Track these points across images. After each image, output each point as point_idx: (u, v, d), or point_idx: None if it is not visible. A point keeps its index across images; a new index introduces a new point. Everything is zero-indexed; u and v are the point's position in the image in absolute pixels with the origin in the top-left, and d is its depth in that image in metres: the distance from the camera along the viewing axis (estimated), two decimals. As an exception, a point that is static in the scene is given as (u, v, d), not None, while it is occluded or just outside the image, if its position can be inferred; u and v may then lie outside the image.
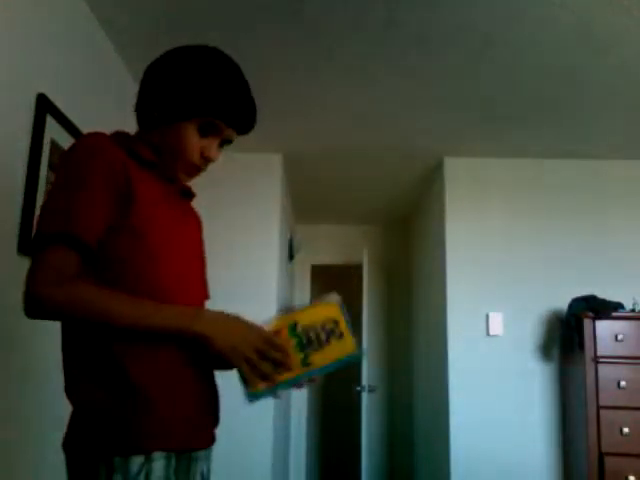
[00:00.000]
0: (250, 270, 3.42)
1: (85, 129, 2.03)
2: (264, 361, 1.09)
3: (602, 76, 2.58)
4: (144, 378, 1.05)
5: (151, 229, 1.11)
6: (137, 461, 1.01)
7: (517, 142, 3.35)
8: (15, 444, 1.72)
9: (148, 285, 1.09)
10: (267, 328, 1.13)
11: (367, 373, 4.42)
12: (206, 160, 1.20)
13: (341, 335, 1.16)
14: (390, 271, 5.27)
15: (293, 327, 1.13)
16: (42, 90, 1.82)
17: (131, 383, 1.04)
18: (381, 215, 5.03)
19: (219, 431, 1.23)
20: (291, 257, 4.45)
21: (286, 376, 1.11)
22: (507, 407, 3.30)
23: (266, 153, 3.57)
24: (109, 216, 1.07)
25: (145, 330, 1.05)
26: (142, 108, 1.20)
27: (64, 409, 1.10)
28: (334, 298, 1.19)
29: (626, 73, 2.55)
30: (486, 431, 3.27)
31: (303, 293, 5.20)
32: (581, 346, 2.97)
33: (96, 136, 1.10)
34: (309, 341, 1.13)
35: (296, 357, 1.12)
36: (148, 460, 1.02)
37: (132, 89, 2.43)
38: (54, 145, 1.87)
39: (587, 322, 2.96)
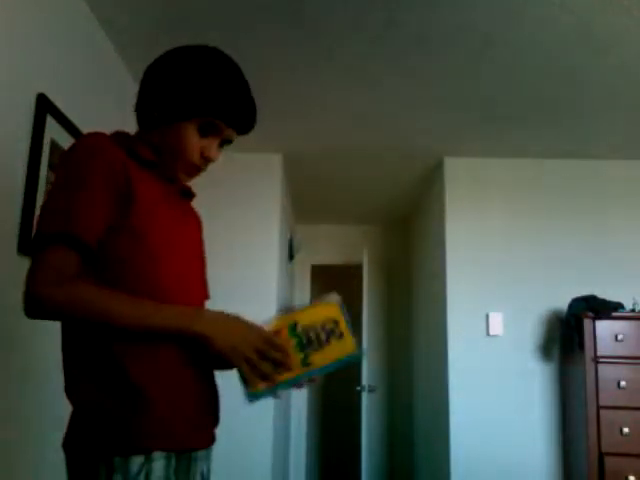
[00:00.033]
0: (250, 270, 3.42)
1: (85, 129, 2.03)
2: (264, 361, 1.09)
3: (602, 76, 2.58)
4: (144, 378, 1.05)
5: (151, 229, 1.11)
6: (137, 461, 1.01)
7: (517, 142, 3.35)
8: (15, 444, 1.72)
9: (148, 285, 1.09)
10: (267, 328, 1.13)
11: (367, 373, 4.42)
12: (206, 160, 1.20)
13: (341, 335, 1.15)
14: (390, 271, 5.27)
15: (293, 327, 1.13)
16: (42, 90, 1.82)
17: (131, 383, 1.04)
18: (381, 215, 5.03)
19: (219, 431, 1.23)
20: (291, 257, 4.45)
21: (286, 376, 1.11)
22: (507, 407, 3.30)
23: (266, 153, 3.57)
24: (109, 216, 1.07)
25: (145, 330, 1.05)
26: (142, 108, 1.20)
27: (64, 409, 1.10)
28: (334, 298, 1.19)
29: (626, 73, 2.55)
30: (486, 431, 3.27)
31: (303, 293, 5.20)
32: (581, 346, 2.97)
33: (96, 136, 1.10)
34: (309, 341, 1.13)
35: (296, 357, 1.12)
36: (148, 460, 1.02)
37: (132, 89, 2.43)
38: (54, 145, 1.87)
39: (587, 322, 2.96)
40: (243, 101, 1.18)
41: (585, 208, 3.49)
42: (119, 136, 1.18)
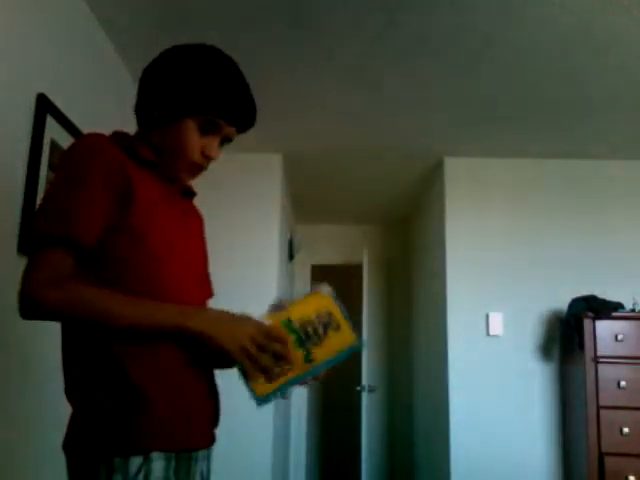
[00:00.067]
0: (250, 270, 3.42)
1: (85, 129, 2.03)
2: (264, 353, 1.08)
3: (602, 76, 2.58)
4: (144, 378, 1.05)
5: (151, 229, 1.11)
6: (136, 461, 1.01)
7: (517, 142, 3.35)
8: (15, 444, 1.72)
9: (148, 285, 1.09)
10: None
11: (367, 373, 4.42)
12: (207, 158, 1.20)
13: (338, 327, 1.13)
14: (390, 271, 5.27)
15: (288, 323, 1.11)
16: (42, 90, 1.82)
17: (131, 383, 1.04)
18: (381, 215, 5.03)
19: (219, 431, 1.23)
20: (291, 257, 4.45)
21: (292, 374, 1.10)
22: (507, 407, 3.30)
23: (266, 153, 3.57)
24: (109, 215, 1.07)
25: (145, 329, 1.05)
26: (141, 108, 1.20)
27: (64, 409, 1.10)
28: (325, 290, 1.17)
29: (626, 73, 2.55)
30: (486, 431, 3.27)
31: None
32: (581, 346, 2.97)
33: (95, 136, 1.10)
34: (307, 336, 1.11)
35: (298, 354, 1.10)
36: (147, 460, 1.02)
37: (132, 89, 2.43)
38: (54, 145, 1.87)
39: (587, 322, 2.96)
40: (243, 98, 1.18)
41: (585, 208, 3.49)
42: (118, 136, 1.18)
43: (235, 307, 1.15)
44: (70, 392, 1.09)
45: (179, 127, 1.15)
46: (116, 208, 1.07)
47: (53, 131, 1.87)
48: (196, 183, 1.31)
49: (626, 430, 2.82)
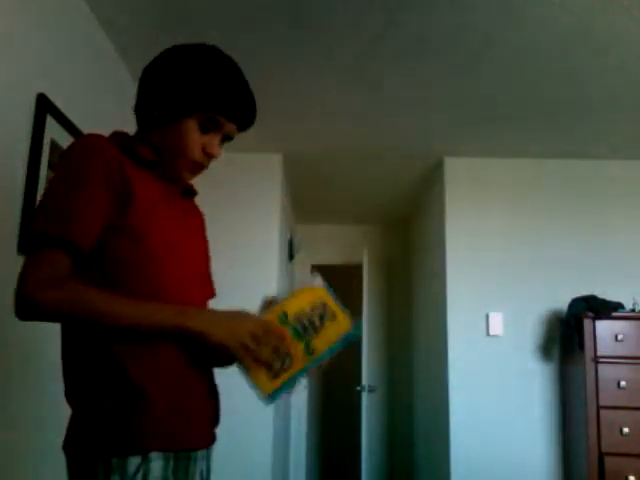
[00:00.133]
0: (250, 270, 3.42)
1: (85, 129, 2.03)
2: (264, 348, 1.08)
3: (602, 76, 2.58)
4: (144, 378, 1.05)
5: (151, 229, 1.11)
6: (134, 461, 1.01)
7: (517, 142, 3.35)
8: (15, 444, 1.72)
9: (149, 285, 1.09)
10: None
11: (367, 373, 4.42)
12: (208, 156, 1.20)
13: (334, 316, 1.15)
14: (390, 271, 5.27)
15: (284, 318, 1.12)
16: (42, 90, 1.82)
17: (131, 383, 1.04)
18: (381, 215, 5.03)
19: (219, 431, 1.23)
20: (291, 257, 4.44)
21: (294, 369, 1.11)
22: (507, 407, 3.30)
23: (266, 153, 3.57)
24: (108, 215, 1.06)
25: (145, 330, 1.05)
26: (142, 108, 1.20)
27: (64, 409, 1.10)
28: (318, 281, 1.18)
29: (626, 73, 2.55)
30: (486, 431, 3.27)
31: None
32: (581, 346, 2.97)
33: (94, 136, 1.10)
34: (304, 328, 1.12)
35: (298, 347, 1.11)
36: (145, 460, 1.02)
37: (132, 89, 2.43)
38: (54, 145, 1.87)
39: (587, 322, 2.96)
40: (243, 94, 1.18)
41: (585, 208, 3.49)
42: (118, 136, 1.18)
43: (235, 307, 1.15)
44: (70, 393, 1.09)
45: (179, 126, 1.15)
46: (115, 208, 1.07)
47: (53, 131, 1.87)
48: (196, 183, 1.31)
49: (626, 430, 2.82)
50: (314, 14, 2.19)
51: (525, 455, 3.25)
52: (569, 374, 3.21)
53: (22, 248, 1.69)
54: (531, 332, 3.36)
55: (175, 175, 1.20)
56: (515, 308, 3.38)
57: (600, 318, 2.96)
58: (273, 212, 3.53)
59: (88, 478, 1.01)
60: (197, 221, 1.31)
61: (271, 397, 1.10)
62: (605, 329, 2.95)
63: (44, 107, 1.81)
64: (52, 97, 1.87)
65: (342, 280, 5.36)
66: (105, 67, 2.38)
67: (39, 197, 1.77)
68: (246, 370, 1.10)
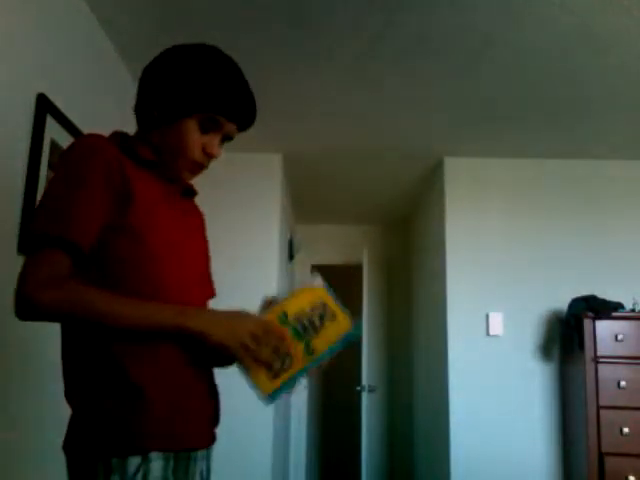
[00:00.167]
0: (250, 270, 3.42)
1: (85, 129, 2.03)
2: (264, 348, 1.08)
3: (602, 76, 2.58)
4: (144, 378, 1.05)
5: (151, 229, 1.11)
6: (134, 462, 1.01)
7: (517, 142, 3.35)
8: (15, 444, 1.72)
9: (149, 285, 1.09)
10: None
11: (367, 373, 4.42)
12: (208, 156, 1.20)
13: (334, 316, 1.15)
14: (390, 271, 5.27)
15: (284, 318, 1.12)
16: (42, 90, 1.82)
17: (131, 383, 1.04)
18: (381, 215, 5.03)
19: (219, 431, 1.23)
20: (291, 257, 4.45)
21: (294, 368, 1.11)
22: (507, 407, 3.30)
23: (266, 153, 3.57)
24: (108, 215, 1.07)
25: (145, 330, 1.05)
26: (142, 108, 1.20)
27: (64, 409, 1.10)
28: (318, 281, 1.18)
29: (626, 73, 2.55)
30: (486, 431, 3.27)
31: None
32: (581, 346, 2.97)
33: (94, 136, 1.10)
34: (304, 328, 1.12)
35: (298, 347, 1.11)
36: (145, 460, 1.02)
37: (132, 89, 2.42)
38: (54, 145, 1.87)
39: (587, 322, 2.96)
40: (243, 94, 1.18)
41: (585, 208, 3.49)
42: (118, 136, 1.18)
43: (235, 307, 1.15)
44: (70, 393, 1.09)
45: (179, 126, 1.15)
46: (115, 208, 1.07)
47: (53, 131, 1.87)
48: (196, 183, 1.31)
49: (626, 430, 2.82)
50: (314, 14, 2.19)
51: (525, 455, 3.25)
52: (569, 374, 3.21)
53: (22, 248, 1.69)
54: (531, 332, 3.36)
55: (175, 175, 1.20)
56: (515, 308, 3.38)
57: (600, 318, 2.96)
58: (273, 212, 3.53)
59: (88, 478, 1.01)
60: (197, 221, 1.31)
61: (271, 397, 1.10)
62: (605, 329, 2.95)
63: (44, 107, 1.81)
64: (52, 97, 1.87)
65: (342, 280, 5.37)
66: (105, 67, 2.38)
67: (39, 197, 1.77)
68: (246, 370, 1.10)
